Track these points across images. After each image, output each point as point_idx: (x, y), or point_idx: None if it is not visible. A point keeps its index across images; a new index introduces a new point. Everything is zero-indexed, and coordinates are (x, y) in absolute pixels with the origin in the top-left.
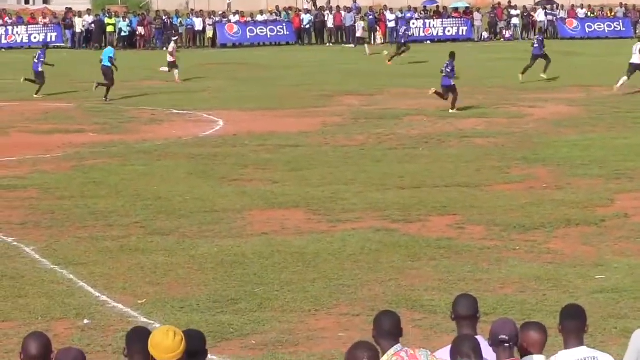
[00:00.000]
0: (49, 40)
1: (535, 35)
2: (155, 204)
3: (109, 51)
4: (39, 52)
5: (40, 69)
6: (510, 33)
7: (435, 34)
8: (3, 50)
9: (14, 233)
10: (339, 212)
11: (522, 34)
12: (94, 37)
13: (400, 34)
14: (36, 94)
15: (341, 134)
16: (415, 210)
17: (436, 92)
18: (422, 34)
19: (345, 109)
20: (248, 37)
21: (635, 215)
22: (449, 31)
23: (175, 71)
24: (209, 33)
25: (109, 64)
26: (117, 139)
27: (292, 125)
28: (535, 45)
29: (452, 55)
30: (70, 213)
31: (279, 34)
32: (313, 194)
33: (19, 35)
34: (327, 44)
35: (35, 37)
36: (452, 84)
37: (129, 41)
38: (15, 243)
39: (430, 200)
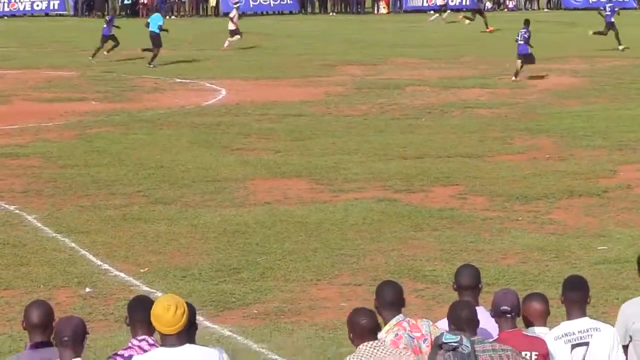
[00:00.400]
0: (51, 8)
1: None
2: (158, 173)
3: (157, 18)
4: (108, 17)
5: (111, 32)
6: (514, 3)
7: (438, 4)
8: (5, 17)
9: (16, 201)
10: (342, 181)
11: (525, 4)
12: (97, 5)
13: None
14: (107, 51)
15: (344, 103)
16: (418, 180)
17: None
18: (425, 4)
19: (348, 79)
20: (251, 5)
21: (637, 186)
22: (452, 1)
23: (232, 39)
24: (212, 1)
25: (158, 30)
26: (120, 107)
27: (295, 95)
28: (608, 13)
29: (527, 23)
30: (72, 181)
31: (282, 2)
32: (316, 163)
33: (21, 3)
34: (331, 13)
35: (37, 5)
36: (529, 52)
37: (132, 9)
38: (17, 211)
39: (433, 171)
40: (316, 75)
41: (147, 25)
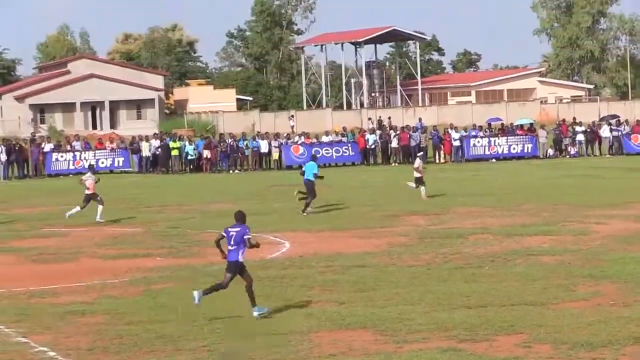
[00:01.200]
0: (115, 165)
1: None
2: (222, 327)
3: (312, 166)
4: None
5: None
6: (576, 149)
7: (500, 152)
8: (71, 175)
9: (82, 359)
10: (406, 332)
11: (587, 150)
12: (161, 161)
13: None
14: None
15: (407, 253)
16: (482, 329)
17: None
18: (487, 152)
19: (411, 229)
20: None
21: None
22: (514, 148)
23: (422, 188)
24: (275, 155)
25: (313, 178)
26: (184, 262)
27: (359, 246)
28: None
29: None
30: (138, 338)
31: (344, 154)
32: (379, 314)
33: (87, 160)
34: (393, 164)
35: (102, 162)
36: None
37: (196, 164)
38: None
39: (497, 320)
40: (379, 226)
41: (302, 174)
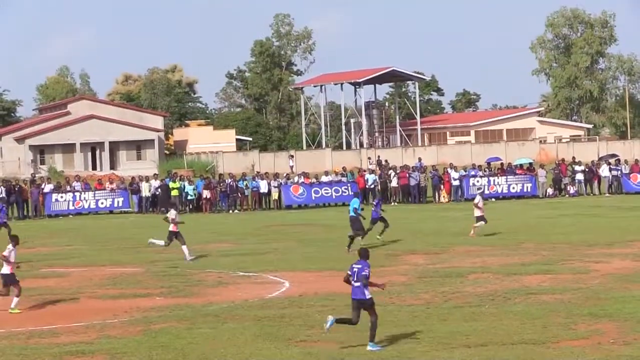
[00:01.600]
0: (115, 205)
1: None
2: None
3: (354, 202)
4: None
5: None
6: (575, 189)
7: (500, 191)
8: (71, 216)
9: None
10: None
11: (586, 189)
12: (160, 201)
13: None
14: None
15: (407, 292)
16: None
17: None
18: (486, 192)
19: (411, 268)
20: (313, 197)
21: None
22: (513, 188)
23: (481, 223)
24: (275, 195)
25: (354, 214)
26: (184, 302)
27: None
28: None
29: None
30: None
31: (343, 194)
32: (379, 354)
33: (86, 200)
34: (392, 204)
35: (102, 203)
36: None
37: (195, 204)
38: None
39: (497, 359)
40: (379, 265)
41: (349, 212)
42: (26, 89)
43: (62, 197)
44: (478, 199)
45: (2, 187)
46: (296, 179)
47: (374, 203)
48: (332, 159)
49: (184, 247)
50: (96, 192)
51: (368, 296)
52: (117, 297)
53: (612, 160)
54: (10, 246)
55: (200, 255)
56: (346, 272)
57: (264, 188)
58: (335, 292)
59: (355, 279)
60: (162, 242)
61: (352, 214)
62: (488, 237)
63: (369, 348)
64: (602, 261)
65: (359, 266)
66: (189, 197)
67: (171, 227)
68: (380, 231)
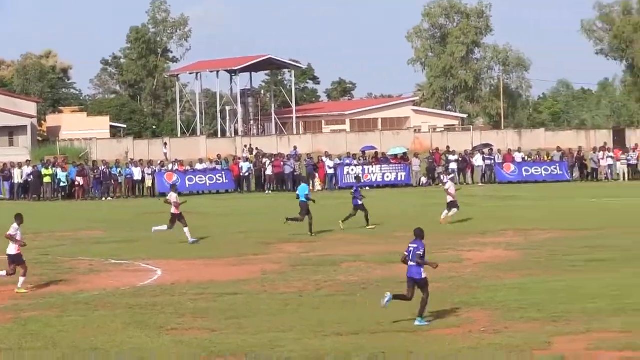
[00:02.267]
0: None
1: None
2: (92, 355)
3: (303, 188)
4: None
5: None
6: (449, 177)
7: (374, 180)
8: None
9: None
10: None
11: (459, 178)
12: (32, 188)
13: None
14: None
15: (280, 281)
16: (354, 356)
17: None
18: (361, 180)
19: (284, 256)
20: (187, 185)
21: (571, 358)
22: (387, 177)
23: (454, 210)
24: (148, 182)
25: (306, 200)
26: (55, 290)
27: (231, 273)
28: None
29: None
30: None
31: (218, 182)
32: (251, 341)
33: None
34: (267, 192)
35: None
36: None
37: (68, 191)
38: None
39: (369, 346)
40: (252, 254)
41: (298, 197)
42: None
43: None
44: (449, 184)
45: None
46: (170, 166)
47: (353, 190)
48: (206, 147)
49: (186, 230)
50: None
51: (423, 275)
52: None
53: (485, 150)
54: (15, 225)
55: (70, 242)
56: (402, 253)
57: (137, 175)
58: (208, 280)
59: (411, 258)
60: (164, 227)
61: (302, 199)
62: (360, 225)
63: (416, 323)
64: (474, 250)
65: (415, 245)
66: (62, 184)
67: (173, 210)
68: (345, 218)
